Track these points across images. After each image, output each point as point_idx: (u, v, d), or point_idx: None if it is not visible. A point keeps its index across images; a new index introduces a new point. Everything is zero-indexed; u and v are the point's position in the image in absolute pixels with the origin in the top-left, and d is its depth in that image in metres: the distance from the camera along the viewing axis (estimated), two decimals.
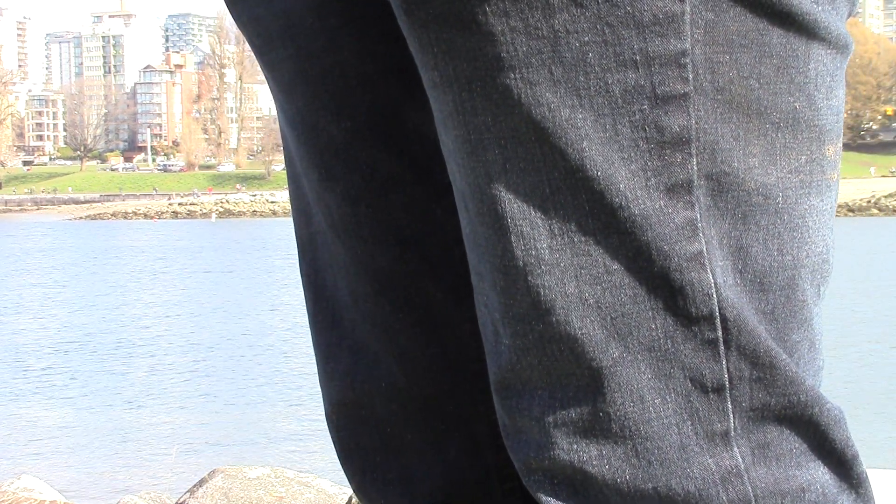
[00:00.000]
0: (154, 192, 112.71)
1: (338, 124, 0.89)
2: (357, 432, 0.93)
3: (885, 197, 64.67)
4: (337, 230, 0.91)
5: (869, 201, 64.45)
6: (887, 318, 18.47)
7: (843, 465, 0.77)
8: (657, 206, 0.70)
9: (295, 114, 0.91)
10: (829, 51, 0.75)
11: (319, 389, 0.97)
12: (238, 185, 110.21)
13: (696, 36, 0.70)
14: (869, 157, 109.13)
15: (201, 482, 4.51)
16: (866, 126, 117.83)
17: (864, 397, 11.60)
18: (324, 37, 0.88)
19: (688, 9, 0.69)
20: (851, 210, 63.22)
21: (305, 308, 0.96)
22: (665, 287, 0.71)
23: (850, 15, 0.78)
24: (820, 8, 0.74)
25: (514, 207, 0.72)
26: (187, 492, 4.54)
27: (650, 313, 0.72)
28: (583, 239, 0.71)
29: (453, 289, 0.90)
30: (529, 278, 0.72)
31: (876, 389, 12.21)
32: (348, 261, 0.91)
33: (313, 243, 0.94)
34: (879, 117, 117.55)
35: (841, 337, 15.93)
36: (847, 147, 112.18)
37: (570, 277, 0.71)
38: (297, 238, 0.96)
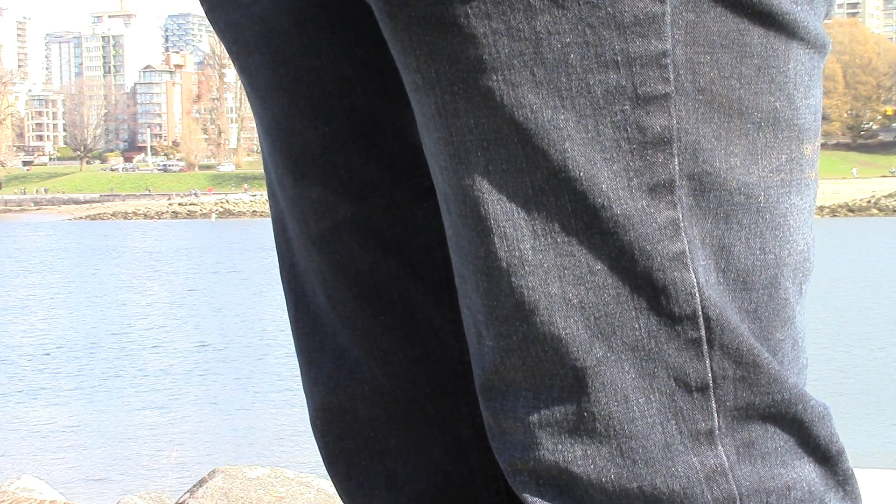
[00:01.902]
0: (148, 192, 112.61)
1: (315, 129, 0.89)
2: (342, 437, 0.93)
3: (885, 197, 64.67)
4: (312, 237, 0.91)
5: (869, 201, 64.44)
6: (887, 318, 18.46)
7: (828, 461, 0.77)
8: (639, 206, 0.71)
9: (270, 120, 0.91)
10: (807, 50, 0.75)
11: None
12: (245, 186, 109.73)
13: (676, 36, 0.70)
14: (869, 157, 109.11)
15: (201, 482, 4.51)
16: (866, 126, 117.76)
17: (864, 397, 11.60)
18: (300, 41, 0.88)
19: (668, 9, 0.70)
20: (851, 210, 63.21)
21: (287, 314, 0.96)
22: (648, 287, 0.71)
23: (827, 15, 0.78)
24: (799, 8, 0.74)
25: (497, 209, 0.72)
26: (187, 492, 4.53)
27: (633, 313, 0.72)
28: (566, 239, 0.71)
29: (435, 291, 0.90)
30: (513, 279, 0.72)
31: (876, 389, 12.21)
32: (324, 267, 0.91)
33: (290, 250, 0.94)
34: (879, 117, 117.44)
35: (840, 337, 15.93)
36: (847, 147, 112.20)
37: (554, 278, 0.72)
38: (276, 245, 0.96)
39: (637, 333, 0.72)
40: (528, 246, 0.72)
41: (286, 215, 0.93)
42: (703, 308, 0.72)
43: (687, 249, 0.72)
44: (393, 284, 0.90)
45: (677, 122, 0.71)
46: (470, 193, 0.73)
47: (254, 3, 0.89)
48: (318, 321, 0.93)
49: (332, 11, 0.87)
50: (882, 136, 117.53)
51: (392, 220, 0.90)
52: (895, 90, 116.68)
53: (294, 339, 0.96)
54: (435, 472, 0.92)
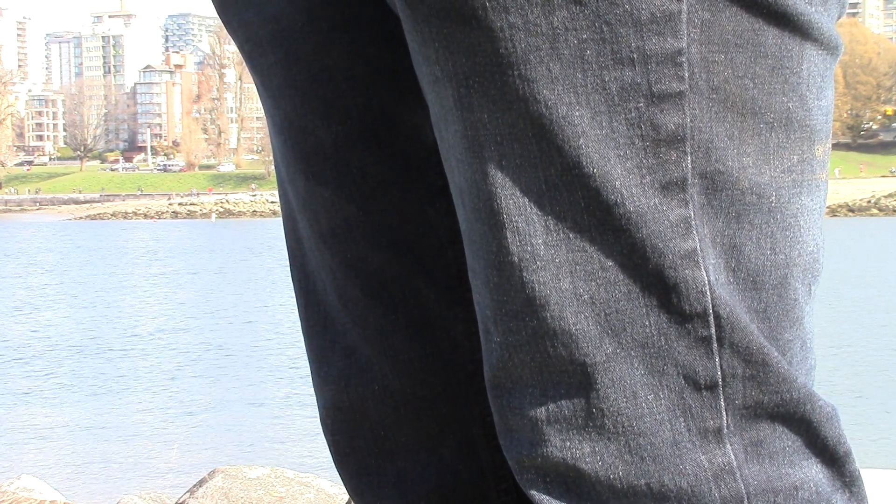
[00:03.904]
0: (140, 192, 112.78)
1: (327, 128, 0.89)
2: (351, 436, 0.93)
3: (885, 197, 64.70)
4: (324, 236, 0.91)
5: (869, 201, 64.47)
6: (887, 318, 18.46)
7: (835, 462, 0.77)
8: (652, 204, 0.71)
9: (283, 119, 0.91)
10: (820, 51, 0.76)
11: None
12: (252, 185, 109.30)
13: (692, 35, 0.70)
14: (869, 157, 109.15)
15: (201, 482, 4.51)
16: (866, 126, 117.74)
17: (865, 397, 11.59)
18: (314, 40, 0.88)
19: (685, 8, 0.70)
20: (851, 210, 63.23)
21: (297, 313, 0.96)
22: (659, 284, 0.72)
23: (839, 16, 0.79)
24: (813, 9, 0.74)
25: (510, 203, 0.72)
26: (187, 492, 4.53)
27: (644, 310, 0.72)
28: (578, 235, 0.71)
29: (447, 290, 0.90)
30: (524, 274, 0.72)
31: (876, 390, 12.21)
32: (335, 265, 0.91)
33: (301, 248, 0.94)
34: (879, 117, 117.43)
35: (841, 337, 15.93)
36: (847, 147, 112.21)
37: (565, 273, 0.72)
38: (286, 243, 0.96)
39: (647, 330, 0.72)
40: (540, 241, 0.72)
41: (297, 214, 0.93)
42: (713, 306, 0.72)
43: (698, 248, 0.72)
44: (404, 283, 0.90)
45: (691, 121, 0.71)
46: (483, 188, 0.73)
47: (267, 1, 0.89)
48: (329, 319, 0.93)
49: (346, 10, 0.87)
50: (882, 136, 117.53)
51: (404, 219, 0.89)
52: (895, 90, 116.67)
53: (304, 338, 0.95)
54: (445, 471, 0.92)
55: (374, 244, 0.90)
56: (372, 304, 0.90)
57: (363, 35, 0.88)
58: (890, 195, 65.04)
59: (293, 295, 0.98)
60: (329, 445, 0.95)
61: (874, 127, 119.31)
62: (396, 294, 0.90)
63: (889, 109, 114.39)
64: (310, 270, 0.93)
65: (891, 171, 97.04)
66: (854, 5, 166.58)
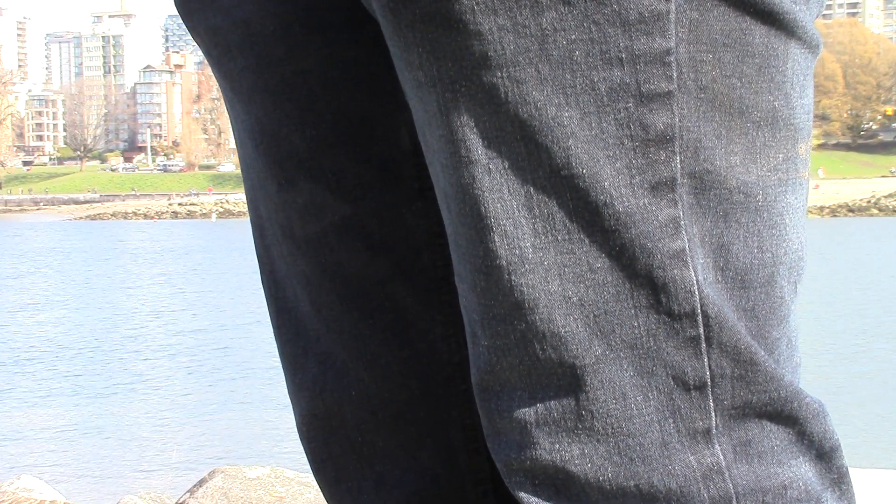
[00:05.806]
0: (133, 192, 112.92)
1: (301, 132, 0.88)
2: (328, 442, 0.92)
3: (885, 197, 64.73)
4: (297, 241, 0.90)
5: (869, 201, 64.50)
6: (887, 317, 18.46)
7: (822, 457, 0.77)
8: (641, 204, 0.71)
9: (254, 124, 0.90)
10: (803, 50, 0.76)
11: None
12: None
13: (680, 35, 0.70)
14: (869, 157, 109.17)
15: (201, 482, 4.51)
16: (866, 126, 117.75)
17: (864, 397, 11.60)
18: (286, 44, 0.87)
19: (673, 8, 0.70)
20: (851, 210, 63.25)
21: (270, 321, 0.95)
22: (648, 284, 0.72)
23: (818, 15, 0.79)
24: (797, 7, 0.74)
25: (497, 206, 0.72)
26: (187, 492, 4.53)
27: (633, 311, 0.72)
28: (567, 237, 0.71)
29: (424, 293, 0.89)
30: (513, 277, 0.72)
31: (876, 390, 12.21)
32: (310, 271, 0.90)
33: (269, 256, 0.93)
34: (879, 117, 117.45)
35: (841, 337, 15.93)
36: (847, 147, 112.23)
37: (554, 275, 0.72)
38: (256, 252, 0.95)
39: (636, 331, 0.72)
40: (528, 244, 0.72)
41: (266, 221, 0.92)
42: (701, 306, 0.72)
43: (687, 247, 0.72)
44: (381, 287, 0.89)
45: (679, 120, 0.71)
46: (470, 191, 0.72)
47: (236, 6, 0.88)
48: (301, 326, 0.92)
49: (322, 15, 0.87)
50: (882, 136, 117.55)
51: (381, 223, 0.89)
52: (895, 90, 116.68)
53: (277, 346, 0.94)
54: (423, 475, 0.91)
55: (351, 248, 0.89)
56: (347, 308, 0.89)
57: (340, 39, 0.87)
58: (890, 195, 65.05)
59: None
60: (306, 452, 0.94)
61: (874, 127, 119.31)
62: (373, 298, 0.89)
63: (889, 109, 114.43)
64: (279, 278, 0.92)
65: (891, 171, 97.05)
66: (854, 5, 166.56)
